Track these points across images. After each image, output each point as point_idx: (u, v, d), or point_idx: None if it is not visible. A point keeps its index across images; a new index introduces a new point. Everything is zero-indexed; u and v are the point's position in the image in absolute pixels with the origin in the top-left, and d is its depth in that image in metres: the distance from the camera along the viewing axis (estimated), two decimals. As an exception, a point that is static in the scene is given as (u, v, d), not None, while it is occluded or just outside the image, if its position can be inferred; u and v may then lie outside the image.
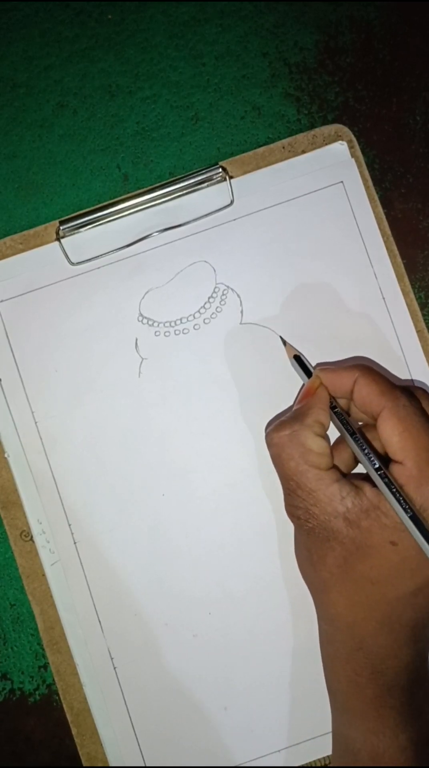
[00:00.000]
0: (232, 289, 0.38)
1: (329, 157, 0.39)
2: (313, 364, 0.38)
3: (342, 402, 0.34)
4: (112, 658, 0.37)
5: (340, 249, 0.38)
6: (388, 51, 0.40)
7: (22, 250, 0.38)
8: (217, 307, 0.38)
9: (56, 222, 0.38)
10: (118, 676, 0.37)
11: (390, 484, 0.30)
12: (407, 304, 0.38)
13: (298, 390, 0.36)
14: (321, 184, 0.38)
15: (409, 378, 0.38)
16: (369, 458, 0.31)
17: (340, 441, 0.35)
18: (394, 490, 0.30)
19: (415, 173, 0.40)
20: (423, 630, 0.32)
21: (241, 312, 0.38)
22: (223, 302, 0.38)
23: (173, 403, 0.38)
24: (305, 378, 0.35)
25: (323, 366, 0.35)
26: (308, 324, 0.38)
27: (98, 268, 0.38)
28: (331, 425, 0.34)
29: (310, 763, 0.37)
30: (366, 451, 0.32)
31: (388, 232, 0.38)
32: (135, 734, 0.37)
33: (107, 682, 0.37)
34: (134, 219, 0.38)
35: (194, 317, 0.38)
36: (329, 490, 0.31)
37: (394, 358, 0.38)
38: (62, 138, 0.40)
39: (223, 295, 0.38)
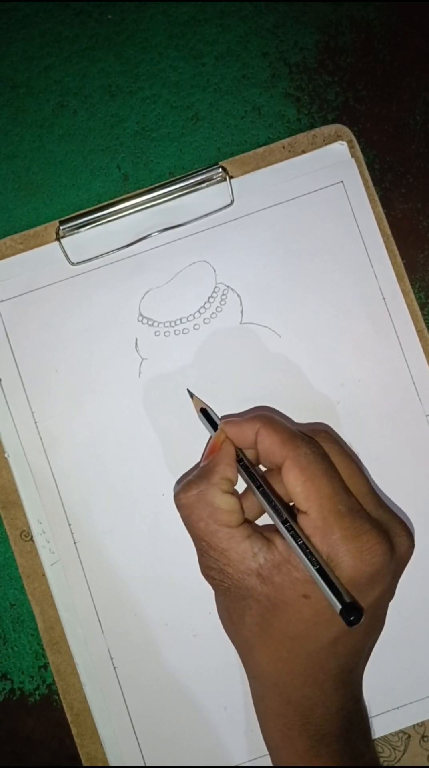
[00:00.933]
0: (232, 289, 0.38)
1: (329, 157, 0.39)
2: (311, 365, 0.38)
3: (250, 452, 0.34)
4: (112, 658, 0.37)
5: (340, 249, 0.38)
6: (388, 51, 0.40)
7: (22, 250, 0.38)
8: (217, 307, 0.38)
9: (56, 222, 0.38)
10: (118, 676, 0.37)
11: (296, 536, 0.30)
12: (407, 304, 0.38)
13: (207, 443, 0.36)
14: (321, 184, 0.38)
15: (410, 378, 0.38)
16: (275, 510, 0.31)
17: (248, 489, 0.34)
18: (301, 542, 0.30)
19: (415, 173, 0.40)
20: (349, 675, 0.32)
21: (241, 312, 0.38)
22: (223, 302, 0.38)
23: (173, 403, 0.38)
24: (212, 431, 0.35)
25: (227, 418, 0.34)
26: (308, 324, 0.38)
27: (98, 268, 0.38)
28: (239, 477, 0.33)
29: None
30: (272, 504, 0.31)
31: (388, 232, 0.38)
32: (135, 734, 0.37)
33: (107, 682, 0.37)
34: (134, 219, 0.38)
35: (194, 317, 0.38)
36: (241, 548, 0.31)
37: (394, 357, 0.38)
38: (62, 138, 0.40)
39: (223, 295, 0.38)
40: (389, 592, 0.32)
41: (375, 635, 0.33)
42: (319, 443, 0.32)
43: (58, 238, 0.38)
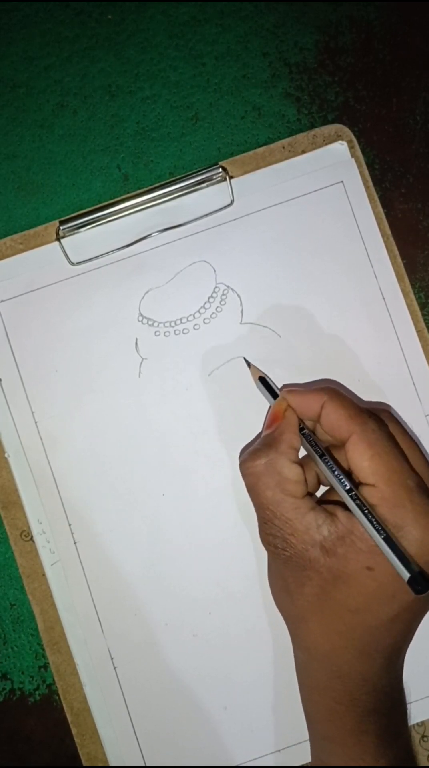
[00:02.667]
0: (232, 289, 0.38)
1: (329, 157, 0.39)
2: (311, 365, 0.38)
3: (308, 424, 0.34)
4: (112, 658, 0.37)
5: (340, 249, 0.38)
6: (388, 51, 0.40)
7: (22, 250, 0.38)
8: (217, 307, 0.38)
9: (56, 222, 0.38)
10: (118, 676, 0.37)
11: (362, 505, 0.30)
12: (407, 304, 0.38)
13: (265, 411, 0.35)
14: (321, 184, 0.38)
15: (410, 378, 0.38)
16: (340, 480, 0.31)
17: (304, 461, 0.34)
18: (367, 511, 0.29)
19: (415, 173, 0.40)
20: (399, 654, 0.32)
21: (241, 312, 0.38)
22: (223, 302, 0.38)
23: (173, 403, 0.38)
24: (271, 399, 0.35)
25: (290, 387, 0.34)
26: (308, 324, 0.38)
27: (98, 268, 0.38)
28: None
29: (309, 763, 0.37)
30: (337, 473, 0.31)
31: (388, 232, 0.38)
32: (135, 734, 0.37)
33: (107, 682, 0.37)
34: (134, 219, 0.38)
35: (194, 317, 0.38)
36: (306, 519, 0.31)
37: (394, 358, 0.38)
38: (62, 138, 0.40)
39: (223, 295, 0.38)
40: None
41: (423, 616, 0.33)
42: (383, 421, 0.32)
43: (58, 238, 0.38)
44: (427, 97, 0.40)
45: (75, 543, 0.37)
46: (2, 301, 0.38)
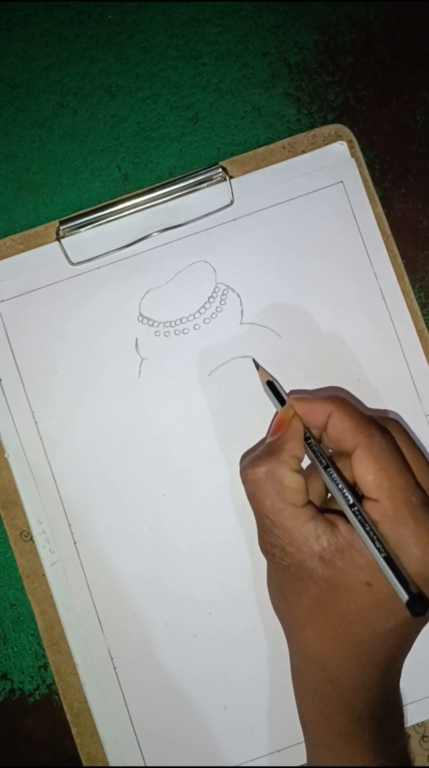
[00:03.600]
0: (232, 289, 0.38)
1: (329, 157, 0.39)
2: (311, 365, 0.38)
3: (314, 432, 0.33)
4: (112, 658, 0.37)
5: (340, 249, 0.38)
6: (388, 51, 0.40)
7: (22, 250, 0.38)
8: (217, 307, 0.38)
9: (56, 222, 0.38)
10: (118, 676, 0.37)
11: (364, 522, 0.29)
12: (407, 304, 0.38)
13: (272, 416, 0.35)
14: (321, 184, 0.38)
15: (410, 378, 0.38)
16: (343, 494, 0.30)
17: (310, 470, 0.34)
18: (369, 528, 0.29)
19: (415, 173, 0.40)
20: (394, 665, 0.32)
21: (241, 312, 0.38)
22: (223, 302, 0.38)
23: (173, 403, 0.38)
24: (278, 405, 0.34)
25: (297, 394, 0.34)
26: (308, 324, 0.38)
27: (98, 268, 0.38)
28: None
29: (307, 763, 0.37)
30: (340, 486, 0.31)
31: (388, 232, 0.38)
32: (135, 734, 0.37)
33: (107, 682, 0.37)
34: (134, 219, 0.38)
35: (194, 317, 0.38)
36: (305, 529, 0.30)
37: (394, 358, 0.38)
38: (62, 138, 0.40)
39: (223, 295, 0.38)
40: None
41: (420, 630, 0.33)
42: (390, 432, 0.32)
43: (58, 238, 0.38)
44: (427, 97, 0.40)
45: (75, 543, 0.37)
46: (2, 301, 0.38)
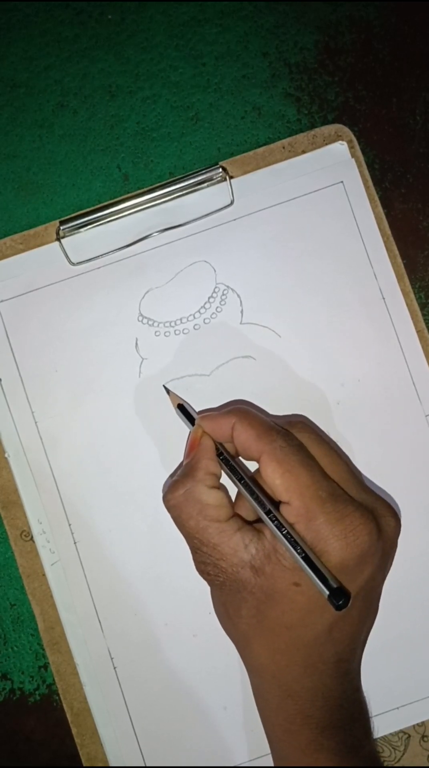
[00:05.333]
0: (232, 289, 0.38)
1: (329, 157, 0.39)
2: (311, 365, 0.38)
3: (230, 445, 0.34)
4: (112, 658, 0.37)
5: (340, 249, 0.38)
6: (388, 51, 0.40)
7: (22, 250, 0.38)
8: (217, 307, 0.38)
9: (56, 222, 0.38)
10: (118, 676, 0.37)
11: (280, 525, 0.30)
12: (407, 304, 0.38)
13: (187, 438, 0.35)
14: (321, 184, 0.38)
15: (409, 378, 0.38)
16: (258, 501, 0.31)
17: None
18: (285, 531, 0.30)
19: (415, 173, 0.40)
20: (347, 664, 0.32)
21: (241, 312, 0.38)
22: (223, 302, 0.38)
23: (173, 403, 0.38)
24: (190, 426, 0.35)
25: (204, 413, 0.34)
26: (308, 324, 0.38)
27: (98, 268, 0.38)
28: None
29: None
30: (254, 495, 0.31)
31: (388, 232, 0.38)
32: (135, 734, 0.37)
33: (107, 682, 0.37)
34: (134, 219, 0.38)
35: (194, 317, 0.38)
36: (232, 541, 0.31)
37: (394, 357, 0.38)
38: (62, 138, 0.40)
39: (223, 295, 0.38)
40: (380, 574, 0.32)
41: (370, 619, 0.33)
42: (293, 435, 0.32)
43: (58, 238, 0.38)
44: (427, 97, 0.40)
45: (75, 543, 0.37)
46: (2, 301, 0.38)
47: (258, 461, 0.31)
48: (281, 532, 0.30)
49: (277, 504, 0.31)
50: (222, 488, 0.33)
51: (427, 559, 0.37)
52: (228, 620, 0.33)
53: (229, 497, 0.33)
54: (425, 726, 0.37)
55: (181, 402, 0.36)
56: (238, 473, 0.32)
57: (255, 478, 0.33)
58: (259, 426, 0.32)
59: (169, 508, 0.33)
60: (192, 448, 0.33)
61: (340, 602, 0.28)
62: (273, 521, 0.30)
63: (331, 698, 0.31)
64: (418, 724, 0.37)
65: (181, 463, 0.36)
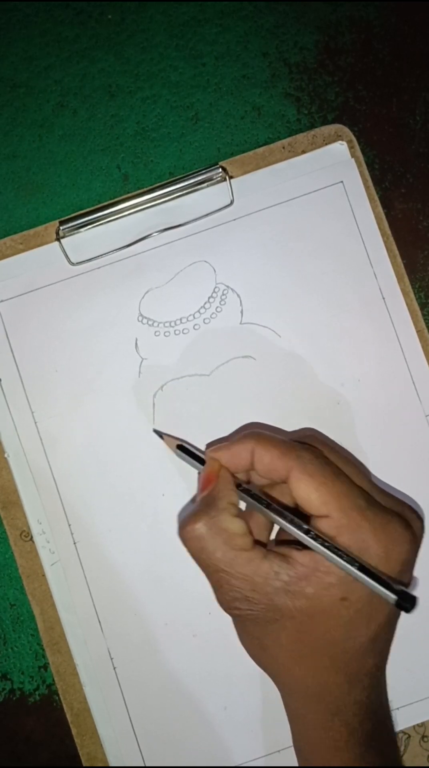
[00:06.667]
0: (232, 289, 0.38)
1: (329, 157, 0.39)
2: (311, 365, 0.38)
3: (239, 476, 0.33)
4: (112, 658, 0.37)
5: (340, 249, 0.38)
6: (388, 51, 0.40)
7: (22, 250, 0.38)
8: (217, 307, 0.38)
9: (56, 222, 0.38)
10: (118, 676, 0.37)
11: (324, 542, 0.29)
12: (407, 304, 0.38)
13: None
14: (321, 184, 0.38)
15: (410, 378, 0.38)
16: (294, 523, 0.30)
17: (244, 513, 0.33)
18: (332, 546, 0.29)
19: (415, 173, 0.40)
20: (382, 672, 0.32)
21: (241, 312, 0.38)
22: (223, 302, 0.38)
23: (173, 403, 0.38)
24: (198, 465, 0.34)
25: (213, 446, 0.33)
26: (308, 324, 0.38)
27: (98, 268, 0.38)
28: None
29: None
30: (288, 518, 0.30)
31: (388, 232, 0.38)
32: (135, 734, 0.37)
33: (107, 682, 0.37)
34: (134, 219, 0.38)
35: (194, 317, 0.38)
36: (262, 570, 0.30)
37: (394, 357, 0.38)
38: (62, 138, 0.40)
39: (223, 295, 0.38)
40: (412, 577, 0.32)
41: (395, 629, 0.33)
42: (316, 448, 0.32)
43: (58, 238, 0.38)
44: (427, 97, 0.40)
45: (75, 543, 0.37)
46: (2, 301, 0.38)
47: (286, 480, 0.30)
48: (328, 549, 0.29)
49: (309, 520, 0.30)
50: (243, 517, 0.31)
51: (428, 560, 0.37)
52: (263, 652, 0.32)
53: (249, 526, 0.32)
54: (425, 726, 0.37)
55: (180, 443, 0.35)
56: (262, 500, 0.31)
57: (278, 501, 0.32)
58: (280, 445, 0.31)
59: (188, 541, 0.31)
60: (209, 482, 0.32)
61: (408, 605, 0.28)
62: (315, 539, 0.29)
63: (371, 706, 0.31)
64: (418, 725, 0.37)
65: (194, 497, 0.36)
